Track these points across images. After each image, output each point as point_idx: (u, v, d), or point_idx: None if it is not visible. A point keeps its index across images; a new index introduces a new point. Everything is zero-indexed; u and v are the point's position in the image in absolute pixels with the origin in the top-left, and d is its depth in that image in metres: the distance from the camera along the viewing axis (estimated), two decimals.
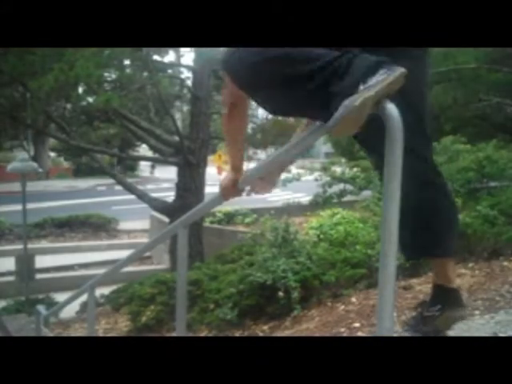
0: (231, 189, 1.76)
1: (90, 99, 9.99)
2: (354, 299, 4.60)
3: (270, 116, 11.59)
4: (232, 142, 1.76)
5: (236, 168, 1.76)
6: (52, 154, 32.40)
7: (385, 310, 1.12)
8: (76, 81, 7.83)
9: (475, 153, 8.09)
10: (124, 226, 16.06)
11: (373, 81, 1.13)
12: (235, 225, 11.29)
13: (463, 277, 4.55)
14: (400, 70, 1.15)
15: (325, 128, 1.25)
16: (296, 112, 1.50)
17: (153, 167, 33.41)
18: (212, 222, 11.20)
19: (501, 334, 3.11)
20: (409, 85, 1.19)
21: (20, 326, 6.77)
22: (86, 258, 12.57)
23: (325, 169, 9.81)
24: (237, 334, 4.80)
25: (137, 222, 15.98)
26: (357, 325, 3.87)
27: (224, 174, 1.90)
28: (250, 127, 12.48)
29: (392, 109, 1.13)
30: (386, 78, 1.13)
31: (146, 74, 11.13)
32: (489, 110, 10.76)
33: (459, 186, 7.56)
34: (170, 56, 13.90)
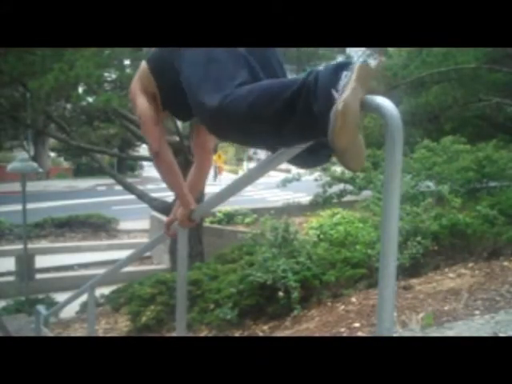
0: (187, 221, 2.07)
1: (90, 99, 9.96)
2: (353, 299, 4.60)
3: None
4: (173, 183, 1.97)
5: (186, 203, 2.01)
6: (52, 154, 32.40)
7: (385, 310, 1.12)
8: (76, 81, 7.81)
9: (475, 153, 8.08)
10: (124, 225, 16.04)
11: (341, 84, 1.17)
12: (235, 225, 11.27)
13: (463, 277, 4.55)
14: (358, 64, 1.21)
15: (329, 147, 1.20)
16: (294, 141, 1.43)
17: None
18: (212, 222, 11.18)
19: (501, 334, 3.11)
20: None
21: (20, 326, 6.75)
22: (86, 258, 12.54)
23: (325, 169, 9.77)
24: (237, 334, 4.80)
25: (137, 222, 15.96)
26: (357, 325, 3.87)
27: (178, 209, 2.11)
28: None
29: (392, 109, 1.13)
30: (350, 75, 1.18)
31: None
32: (489, 110, 10.74)
33: (459, 186, 7.56)
34: None
